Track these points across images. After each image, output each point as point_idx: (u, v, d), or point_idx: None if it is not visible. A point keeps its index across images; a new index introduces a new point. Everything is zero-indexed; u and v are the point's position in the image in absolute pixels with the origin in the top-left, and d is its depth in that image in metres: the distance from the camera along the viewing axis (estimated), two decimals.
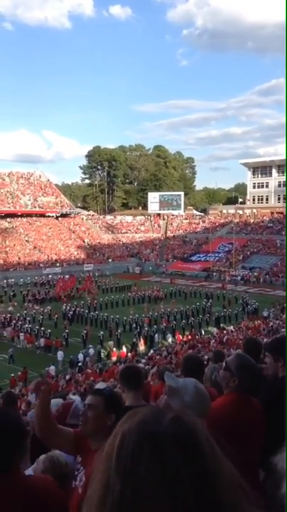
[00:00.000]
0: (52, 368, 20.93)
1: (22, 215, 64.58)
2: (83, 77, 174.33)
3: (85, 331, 26.62)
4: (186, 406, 1.81)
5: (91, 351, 23.67)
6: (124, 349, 24.34)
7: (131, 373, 2.97)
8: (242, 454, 2.35)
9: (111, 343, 25.24)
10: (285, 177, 67.19)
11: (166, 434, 0.65)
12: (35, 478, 1.97)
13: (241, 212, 71.92)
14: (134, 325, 28.71)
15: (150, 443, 0.63)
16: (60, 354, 23.10)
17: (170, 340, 26.50)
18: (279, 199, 70.49)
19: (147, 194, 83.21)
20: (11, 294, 40.26)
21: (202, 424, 0.70)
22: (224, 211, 77.33)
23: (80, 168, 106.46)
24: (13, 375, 19.66)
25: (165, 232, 72.68)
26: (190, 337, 26.11)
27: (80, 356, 22.60)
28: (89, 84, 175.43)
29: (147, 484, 0.60)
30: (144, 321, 29.53)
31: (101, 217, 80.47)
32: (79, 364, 21.36)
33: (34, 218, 65.61)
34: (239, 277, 47.90)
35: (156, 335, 27.01)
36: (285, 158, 63.30)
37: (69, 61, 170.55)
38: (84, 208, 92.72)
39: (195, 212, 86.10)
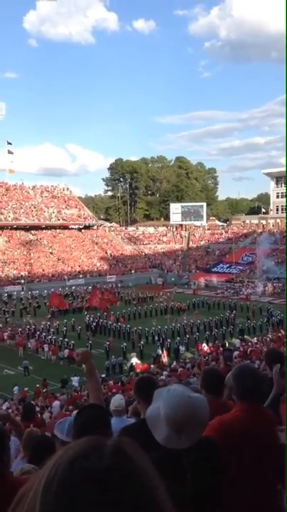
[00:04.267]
0: (75, 378, 21.00)
1: (46, 228, 65.70)
2: (107, 90, 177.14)
3: (108, 343, 26.68)
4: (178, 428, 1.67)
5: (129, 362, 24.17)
6: (134, 360, 24.32)
7: (146, 386, 2.93)
8: (255, 467, 2.30)
9: (133, 354, 25.21)
10: (285, 188, 66.38)
11: (109, 470, 0.57)
12: (20, 477, 2.05)
13: (264, 222, 71.11)
14: (157, 337, 28.58)
15: (92, 481, 0.55)
16: None
17: (205, 348, 26.18)
18: None
19: (169, 205, 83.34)
20: (35, 305, 40.74)
21: (143, 454, 0.62)
22: (247, 221, 76.61)
23: (103, 180, 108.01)
24: (38, 385, 19.84)
25: (188, 243, 72.45)
26: (213, 349, 25.79)
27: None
28: (112, 97, 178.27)
29: None
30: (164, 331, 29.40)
31: (124, 228, 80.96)
32: (103, 376, 21.38)
33: (58, 230, 66.61)
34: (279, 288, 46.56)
35: (181, 347, 26.80)
36: (285, 167, 62.59)
37: (93, 75, 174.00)
38: (106, 219, 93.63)
39: (217, 222, 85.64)
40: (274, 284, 47.76)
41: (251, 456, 2.22)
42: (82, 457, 0.58)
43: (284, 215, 70.86)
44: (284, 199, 72.31)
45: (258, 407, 2.39)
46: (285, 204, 66.07)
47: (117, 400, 4.66)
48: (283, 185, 73.02)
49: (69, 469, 0.56)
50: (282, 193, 72.93)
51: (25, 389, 19.61)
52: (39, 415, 12.52)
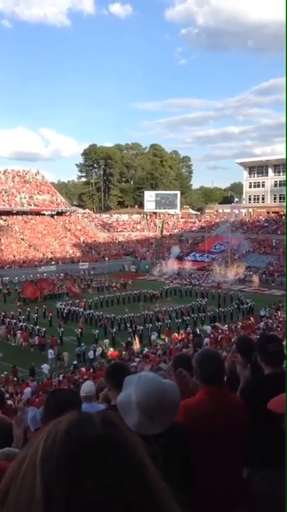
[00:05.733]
0: (45, 366, 20.85)
1: (17, 213, 64.35)
2: (82, 75, 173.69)
3: (80, 330, 26.57)
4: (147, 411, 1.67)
5: (99, 349, 23.84)
6: (105, 347, 24.38)
7: (117, 372, 2.89)
8: (221, 451, 2.30)
9: (106, 341, 25.24)
10: (285, 176, 67.08)
11: (102, 437, 0.60)
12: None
13: (237, 211, 71.98)
14: (129, 324, 28.66)
15: (89, 448, 0.58)
16: (50, 352, 22.94)
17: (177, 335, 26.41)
18: (275, 198, 70.62)
19: (143, 193, 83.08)
20: (6, 292, 40.08)
21: (127, 425, 0.64)
22: (221, 210, 77.40)
23: (76, 166, 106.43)
24: (6, 372, 19.57)
25: (161, 231, 72.65)
26: (183, 335, 26.10)
27: (91, 353, 22.95)
28: (88, 82, 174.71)
29: (93, 493, 0.54)
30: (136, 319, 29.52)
31: (97, 215, 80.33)
32: (75, 362, 21.34)
33: (29, 216, 65.39)
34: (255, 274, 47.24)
35: (154, 333, 27.00)
36: (285, 157, 63.25)
37: (68, 59, 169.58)
38: (80, 206, 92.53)
39: (191, 211, 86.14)
40: (245, 273, 48.57)
41: (217, 439, 2.22)
42: (77, 426, 0.60)
43: (256, 204, 71.99)
44: (256, 189, 73.39)
45: (222, 390, 2.41)
46: (285, 193, 66.58)
47: (88, 386, 4.61)
48: (255, 175, 73.97)
49: (66, 438, 0.58)
50: (254, 182, 73.92)
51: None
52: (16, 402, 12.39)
